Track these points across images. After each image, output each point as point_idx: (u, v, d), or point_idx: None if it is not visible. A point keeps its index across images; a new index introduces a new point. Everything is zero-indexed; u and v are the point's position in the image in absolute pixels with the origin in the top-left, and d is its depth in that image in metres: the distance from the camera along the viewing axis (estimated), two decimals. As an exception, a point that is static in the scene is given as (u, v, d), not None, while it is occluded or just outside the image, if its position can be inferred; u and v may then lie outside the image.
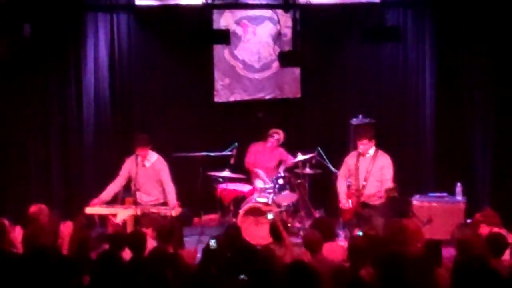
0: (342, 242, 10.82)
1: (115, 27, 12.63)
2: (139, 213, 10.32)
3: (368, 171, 10.56)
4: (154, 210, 10.62)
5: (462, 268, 6.34)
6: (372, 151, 10.62)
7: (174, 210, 10.62)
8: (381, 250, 7.25)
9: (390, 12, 12.90)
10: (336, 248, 8.38)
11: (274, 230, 8.74)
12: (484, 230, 8.68)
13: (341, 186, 10.89)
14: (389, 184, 10.40)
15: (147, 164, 10.93)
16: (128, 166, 10.95)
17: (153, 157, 10.98)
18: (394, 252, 6.96)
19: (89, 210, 10.70)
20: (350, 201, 10.72)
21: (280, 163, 12.53)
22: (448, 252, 7.89)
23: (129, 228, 10.14)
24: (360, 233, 8.68)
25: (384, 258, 6.71)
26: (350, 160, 10.88)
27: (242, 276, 6.79)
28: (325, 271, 6.82)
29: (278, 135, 12.44)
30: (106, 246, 8.18)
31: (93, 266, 6.90)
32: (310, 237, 7.97)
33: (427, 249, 7.43)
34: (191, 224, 12.45)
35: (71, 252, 8.02)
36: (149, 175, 10.91)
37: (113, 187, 10.95)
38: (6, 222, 8.61)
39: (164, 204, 10.84)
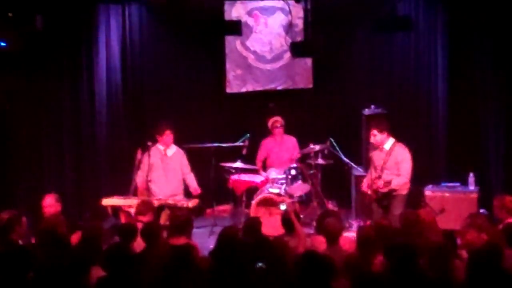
0: (354, 232, 10.87)
1: (127, 18, 12.65)
2: (156, 204, 10.34)
3: (383, 165, 10.40)
4: (170, 201, 10.67)
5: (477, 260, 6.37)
6: (388, 144, 10.42)
7: (191, 201, 10.67)
8: (394, 240, 7.26)
9: (402, 2, 12.84)
10: (345, 240, 8.40)
11: (286, 221, 8.76)
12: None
13: (368, 174, 10.87)
14: (404, 179, 10.31)
15: (169, 153, 11.05)
16: (152, 156, 11.04)
17: (174, 146, 11.16)
18: (406, 243, 6.96)
19: (105, 201, 10.76)
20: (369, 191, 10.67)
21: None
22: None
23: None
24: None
25: (396, 248, 6.72)
26: (371, 152, 10.88)
27: (260, 264, 6.83)
28: (340, 260, 6.84)
29: (280, 122, 12.45)
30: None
31: (104, 258, 6.92)
32: (331, 227, 7.97)
33: (445, 239, 7.42)
34: (204, 215, 12.51)
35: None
36: (171, 165, 11.11)
37: (143, 177, 11.02)
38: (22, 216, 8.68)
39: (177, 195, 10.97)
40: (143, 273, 6.74)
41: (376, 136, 10.44)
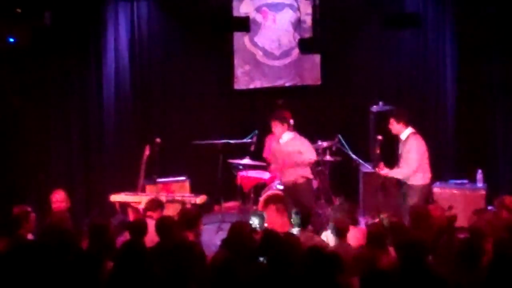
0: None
1: (135, 14, 12.64)
2: (164, 199, 10.36)
3: (399, 154, 10.48)
4: (179, 198, 10.68)
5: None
6: (405, 134, 10.41)
7: (198, 198, 10.68)
8: (403, 237, 7.26)
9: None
10: (359, 233, 8.41)
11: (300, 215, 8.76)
12: (504, 215, 8.66)
13: None
14: (408, 169, 10.30)
15: (281, 141, 10.87)
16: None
17: (287, 134, 10.87)
18: (415, 239, 6.96)
19: (113, 198, 10.80)
20: None
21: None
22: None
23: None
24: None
25: (405, 244, 6.71)
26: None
27: (261, 259, 6.84)
28: (348, 256, 6.85)
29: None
30: (127, 233, 8.24)
31: (116, 254, 6.94)
32: (339, 223, 7.99)
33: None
34: (212, 212, 12.52)
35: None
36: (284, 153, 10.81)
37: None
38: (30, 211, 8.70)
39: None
40: (157, 268, 6.76)
41: (392, 125, 10.48)
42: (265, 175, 12.36)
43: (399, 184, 10.51)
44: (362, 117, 12.77)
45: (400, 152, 10.46)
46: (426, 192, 10.52)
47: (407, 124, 10.43)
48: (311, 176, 10.96)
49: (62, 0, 11.71)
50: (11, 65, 11.69)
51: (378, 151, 10.74)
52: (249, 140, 12.10)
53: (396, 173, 10.40)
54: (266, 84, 13.45)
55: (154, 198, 9.78)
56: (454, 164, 12.60)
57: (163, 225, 7.96)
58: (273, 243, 7.20)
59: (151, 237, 7.93)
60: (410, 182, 10.30)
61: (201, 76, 13.28)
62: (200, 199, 10.76)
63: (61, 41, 11.96)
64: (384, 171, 10.42)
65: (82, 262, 6.68)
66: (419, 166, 10.27)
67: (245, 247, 7.31)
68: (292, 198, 10.59)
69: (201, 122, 13.17)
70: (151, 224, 8.13)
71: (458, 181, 11.86)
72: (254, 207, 11.76)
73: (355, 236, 8.19)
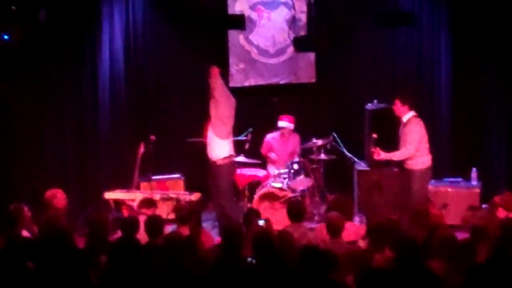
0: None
1: (131, 12, 12.63)
2: (157, 198, 10.38)
3: (399, 136, 10.56)
4: (173, 195, 10.69)
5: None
6: (406, 117, 10.50)
7: (193, 195, 10.69)
8: (399, 235, 7.29)
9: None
10: (352, 228, 8.42)
11: (292, 210, 8.77)
12: (501, 214, 8.68)
13: None
14: (409, 151, 10.32)
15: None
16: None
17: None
18: (411, 237, 6.98)
19: (107, 195, 10.79)
20: None
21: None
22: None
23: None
24: None
25: (401, 242, 6.73)
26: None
27: (249, 259, 6.86)
28: (342, 254, 6.86)
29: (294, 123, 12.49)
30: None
31: (111, 250, 6.95)
32: (334, 221, 8.00)
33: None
34: (206, 209, 12.51)
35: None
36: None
37: None
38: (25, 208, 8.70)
39: None
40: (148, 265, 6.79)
41: (397, 105, 10.54)
42: (260, 172, 12.39)
43: (400, 167, 10.56)
44: (356, 115, 12.73)
45: (400, 134, 10.51)
46: (428, 175, 10.58)
47: (411, 108, 10.49)
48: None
49: (57, -2, 11.72)
50: (5, 63, 11.66)
51: (372, 149, 10.76)
52: (244, 138, 12.11)
53: (396, 155, 10.45)
54: (261, 82, 13.45)
55: (147, 198, 9.83)
56: (449, 162, 12.60)
57: (152, 224, 7.98)
58: (265, 242, 7.21)
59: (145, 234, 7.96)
60: (410, 167, 10.37)
61: (195, 74, 13.23)
62: (195, 196, 10.76)
63: (56, 38, 11.97)
64: (382, 155, 10.45)
65: (77, 259, 6.68)
66: (419, 148, 10.31)
67: (237, 245, 7.33)
68: None
69: (196, 120, 13.13)
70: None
71: (453, 179, 11.89)
72: (249, 205, 11.78)
73: (348, 231, 8.20)
